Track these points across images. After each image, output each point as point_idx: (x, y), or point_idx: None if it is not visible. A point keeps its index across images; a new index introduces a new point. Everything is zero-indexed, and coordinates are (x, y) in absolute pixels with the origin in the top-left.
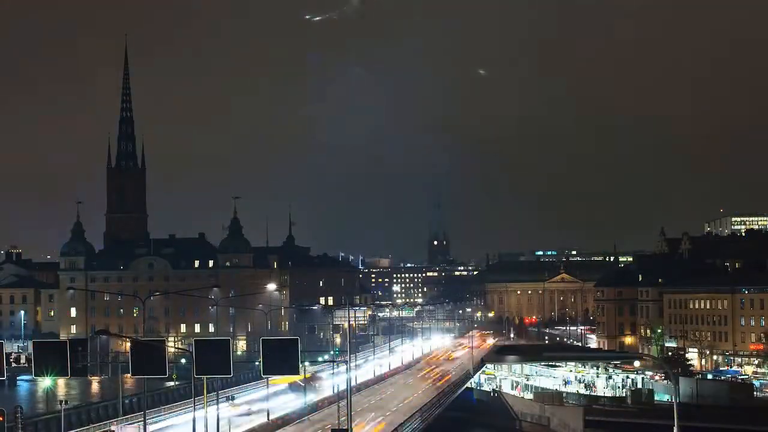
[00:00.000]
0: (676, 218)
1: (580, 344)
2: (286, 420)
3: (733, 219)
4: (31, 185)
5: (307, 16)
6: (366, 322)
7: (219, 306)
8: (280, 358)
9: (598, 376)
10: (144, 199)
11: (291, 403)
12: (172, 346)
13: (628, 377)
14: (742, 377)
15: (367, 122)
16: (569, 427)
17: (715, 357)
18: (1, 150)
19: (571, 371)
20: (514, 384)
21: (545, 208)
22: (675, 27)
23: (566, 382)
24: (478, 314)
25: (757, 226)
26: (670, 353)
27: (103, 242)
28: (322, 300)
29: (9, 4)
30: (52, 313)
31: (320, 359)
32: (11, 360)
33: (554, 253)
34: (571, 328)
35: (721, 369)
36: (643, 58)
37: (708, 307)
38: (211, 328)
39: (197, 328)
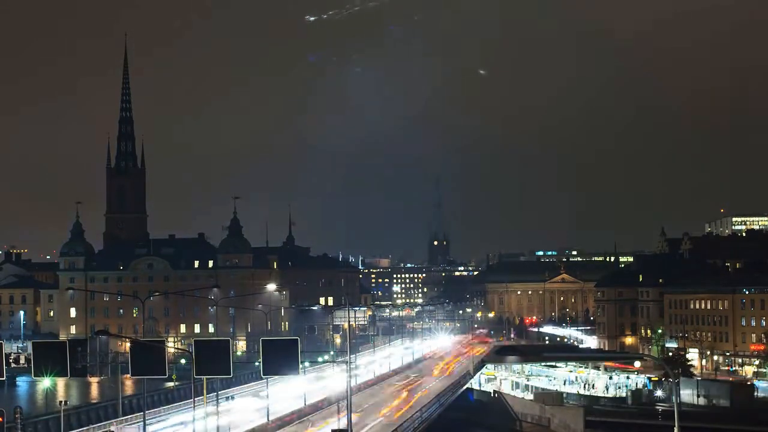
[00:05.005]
0: (676, 218)
1: (579, 345)
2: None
3: (734, 219)
4: (31, 185)
5: (307, 17)
6: (366, 322)
7: (219, 306)
8: (280, 358)
9: (598, 377)
10: (144, 199)
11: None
12: (171, 346)
13: (628, 378)
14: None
15: (366, 122)
16: (570, 428)
17: (715, 357)
18: (0, 150)
19: (571, 371)
20: (514, 384)
21: (545, 208)
22: (668, 27)
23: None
24: (479, 314)
25: (757, 226)
26: (670, 354)
27: (103, 242)
28: (322, 300)
29: (9, 4)
30: (51, 314)
31: (320, 359)
32: (11, 360)
33: (554, 253)
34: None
35: None
36: (641, 56)
37: (708, 307)
38: (211, 329)
39: (197, 328)
